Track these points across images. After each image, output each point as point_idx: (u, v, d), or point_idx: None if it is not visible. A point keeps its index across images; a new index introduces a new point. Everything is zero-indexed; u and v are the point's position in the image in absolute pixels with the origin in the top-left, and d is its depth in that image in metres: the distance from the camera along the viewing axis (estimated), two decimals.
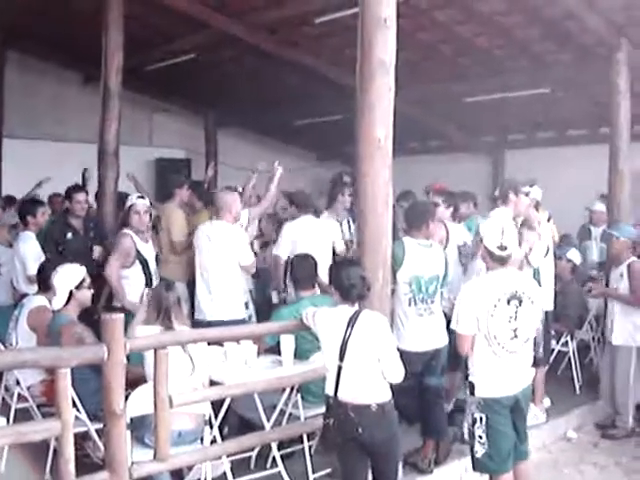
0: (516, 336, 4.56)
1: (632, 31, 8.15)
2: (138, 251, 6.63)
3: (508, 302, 4.52)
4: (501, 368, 4.56)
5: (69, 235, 7.30)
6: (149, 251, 6.83)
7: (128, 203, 6.79)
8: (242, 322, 6.36)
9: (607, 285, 7.34)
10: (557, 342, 8.06)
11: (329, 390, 4.24)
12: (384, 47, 4.88)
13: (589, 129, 12.05)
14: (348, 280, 4.29)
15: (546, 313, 6.47)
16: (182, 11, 9.15)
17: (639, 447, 6.73)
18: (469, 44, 9.33)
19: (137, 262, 6.61)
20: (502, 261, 4.60)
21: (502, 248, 4.56)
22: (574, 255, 8.42)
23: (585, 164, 10.96)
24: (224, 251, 6.40)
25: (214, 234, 6.46)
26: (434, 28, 9.02)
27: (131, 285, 6.54)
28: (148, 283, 6.56)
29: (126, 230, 6.66)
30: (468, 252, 6.72)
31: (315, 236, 7.06)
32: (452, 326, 4.70)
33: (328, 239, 7.22)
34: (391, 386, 4.27)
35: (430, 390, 5.72)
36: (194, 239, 6.69)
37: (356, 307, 4.25)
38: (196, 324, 6.20)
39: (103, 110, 8.00)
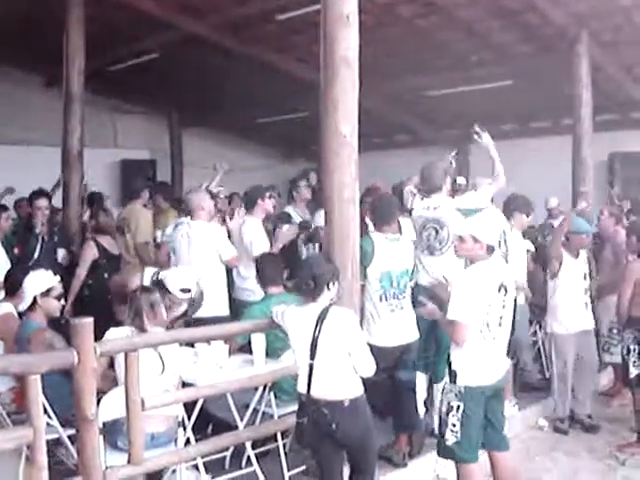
0: (501, 324, 4.65)
1: (593, 23, 8.25)
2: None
3: (499, 290, 4.62)
4: (485, 356, 4.60)
5: (32, 240, 7.22)
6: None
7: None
8: (226, 319, 6.28)
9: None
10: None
11: (301, 388, 4.24)
12: (347, 43, 4.88)
13: (551, 120, 12.17)
14: (300, 279, 4.33)
15: None
16: (144, 11, 9.09)
17: (613, 435, 6.79)
18: (431, 38, 9.38)
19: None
20: (494, 251, 4.72)
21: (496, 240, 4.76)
22: (529, 245, 8.49)
23: (548, 155, 11.07)
24: (205, 249, 6.41)
25: (193, 234, 6.46)
26: (396, 23, 9.05)
27: None
28: None
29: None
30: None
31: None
32: (451, 316, 4.59)
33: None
34: (363, 381, 4.28)
35: (402, 384, 5.72)
36: (172, 241, 6.67)
37: (324, 304, 4.25)
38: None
39: (65, 113, 7.95)
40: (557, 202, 8.96)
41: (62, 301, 5.47)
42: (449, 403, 4.62)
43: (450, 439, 4.63)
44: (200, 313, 6.19)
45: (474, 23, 8.80)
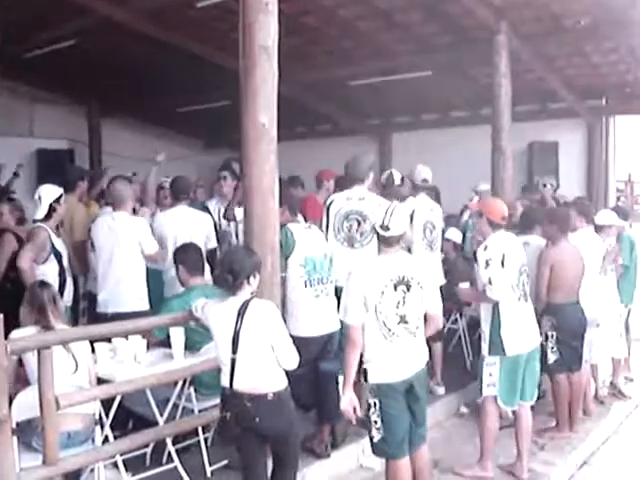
0: (405, 322, 4.59)
1: (511, 14, 8.34)
2: (53, 245, 6.25)
3: (395, 288, 4.55)
4: (393, 353, 4.58)
5: None
6: (62, 245, 6.44)
7: (54, 195, 6.33)
8: (146, 314, 6.11)
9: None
10: (447, 320, 8.25)
11: (224, 382, 4.18)
12: (267, 31, 4.83)
13: (471, 110, 12.29)
14: (219, 273, 4.26)
15: None
16: None
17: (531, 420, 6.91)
18: (352, 28, 9.35)
19: (52, 257, 6.23)
20: (386, 242, 4.63)
21: (384, 228, 4.58)
22: (453, 234, 8.63)
23: (469, 145, 11.19)
24: (127, 242, 6.27)
25: (116, 226, 6.31)
26: (317, 12, 9.00)
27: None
28: (63, 278, 6.28)
29: (41, 224, 6.24)
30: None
31: (188, 228, 6.88)
32: (340, 317, 4.70)
33: (201, 232, 7.00)
34: (287, 374, 4.25)
35: (325, 375, 5.73)
36: (91, 232, 6.53)
37: (244, 297, 4.19)
38: (98, 318, 6.06)
39: None
40: (488, 187, 9.00)
41: None
42: (367, 401, 4.62)
43: (376, 436, 4.65)
44: (120, 308, 6.14)
45: (393, 13, 8.80)
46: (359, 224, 6.19)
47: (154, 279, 6.63)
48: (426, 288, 4.70)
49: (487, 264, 5.49)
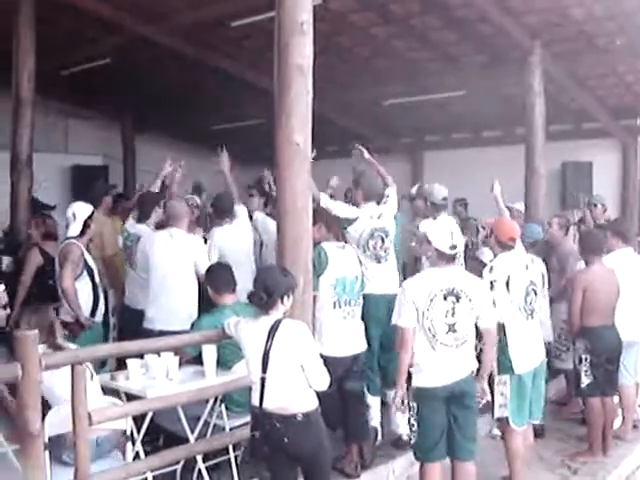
0: (454, 331, 4.69)
1: (545, 34, 8.33)
2: (86, 261, 6.32)
3: (445, 298, 4.68)
4: (436, 359, 4.70)
5: None
6: (92, 261, 6.51)
7: (87, 212, 6.45)
8: None
9: None
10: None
11: (255, 401, 4.16)
12: (301, 51, 4.84)
13: (504, 130, 12.25)
14: (254, 291, 4.23)
15: None
16: (96, 14, 8.94)
17: (561, 441, 6.84)
18: (386, 47, 9.38)
19: (85, 274, 6.29)
20: (448, 258, 4.80)
21: (453, 247, 4.76)
22: (484, 254, 8.50)
23: (502, 164, 11.12)
24: (183, 260, 6.26)
25: (173, 243, 6.30)
26: (351, 31, 9.04)
27: (80, 298, 6.18)
28: (96, 294, 6.35)
29: (73, 240, 6.28)
30: None
31: (238, 241, 6.97)
32: (393, 320, 4.82)
33: (249, 243, 7.13)
34: (317, 394, 4.23)
35: (351, 395, 5.72)
36: (146, 247, 6.51)
37: (277, 316, 4.19)
38: (144, 333, 6.01)
39: (14, 118, 7.79)
40: (522, 207, 8.88)
41: (8, 310, 5.33)
42: (409, 404, 4.77)
43: (412, 439, 4.83)
44: (168, 326, 6.05)
45: (427, 32, 8.83)
46: (382, 241, 6.26)
47: None
48: (476, 302, 4.78)
49: (492, 286, 5.47)
